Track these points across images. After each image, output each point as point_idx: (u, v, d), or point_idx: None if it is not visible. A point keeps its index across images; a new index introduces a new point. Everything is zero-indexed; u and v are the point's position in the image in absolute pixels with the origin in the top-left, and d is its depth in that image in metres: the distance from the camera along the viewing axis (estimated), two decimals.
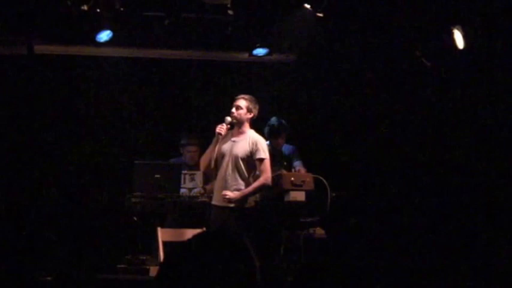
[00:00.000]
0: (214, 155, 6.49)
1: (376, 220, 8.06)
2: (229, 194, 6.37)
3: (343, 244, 7.49)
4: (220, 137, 6.45)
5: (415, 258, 7.55)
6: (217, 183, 6.53)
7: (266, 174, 6.45)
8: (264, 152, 6.46)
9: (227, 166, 6.44)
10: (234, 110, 6.46)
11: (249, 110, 6.46)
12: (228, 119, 6.46)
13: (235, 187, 6.41)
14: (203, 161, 6.62)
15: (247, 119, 6.50)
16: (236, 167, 6.42)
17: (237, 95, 6.56)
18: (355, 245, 7.66)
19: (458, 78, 7.84)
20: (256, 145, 6.45)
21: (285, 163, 7.36)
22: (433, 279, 7.28)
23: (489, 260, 7.24)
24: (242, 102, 6.46)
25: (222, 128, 6.42)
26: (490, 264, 7.17)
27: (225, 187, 6.42)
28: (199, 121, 8.39)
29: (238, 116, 6.45)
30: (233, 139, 6.48)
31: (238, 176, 6.42)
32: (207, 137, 6.77)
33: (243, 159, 6.42)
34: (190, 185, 7.43)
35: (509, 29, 7.28)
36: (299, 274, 2.00)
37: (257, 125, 6.76)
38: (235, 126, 6.53)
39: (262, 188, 6.48)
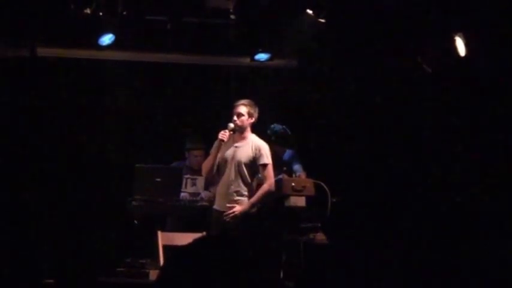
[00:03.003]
0: (217, 161, 6.48)
1: (377, 225, 8.05)
2: (237, 209, 6.36)
3: (344, 249, 7.49)
4: (222, 143, 6.45)
5: (416, 262, 7.54)
6: (220, 189, 6.52)
7: (270, 181, 6.46)
8: (267, 157, 6.47)
9: (230, 172, 6.44)
10: (235, 117, 6.43)
11: (250, 115, 6.46)
12: (231, 125, 6.44)
13: (238, 193, 6.42)
14: (205, 167, 6.61)
15: (249, 124, 6.51)
16: (239, 173, 6.42)
17: (235, 102, 6.53)
18: (356, 250, 7.66)
19: (459, 86, 7.84)
20: (259, 151, 6.45)
21: (285, 168, 7.36)
22: (434, 283, 7.27)
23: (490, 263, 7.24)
24: (243, 108, 6.45)
25: (224, 135, 6.39)
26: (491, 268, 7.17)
27: (228, 193, 6.41)
28: (200, 125, 8.38)
29: (241, 123, 6.44)
30: (235, 145, 6.48)
31: (241, 181, 6.43)
32: (209, 141, 6.77)
33: (246, 165, 6.42)
34: (191, 189, 7.45)
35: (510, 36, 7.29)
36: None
37: (257, 128, 6.75)
38: (237, 132, 6.53)
39: (266, 195, 6.48)
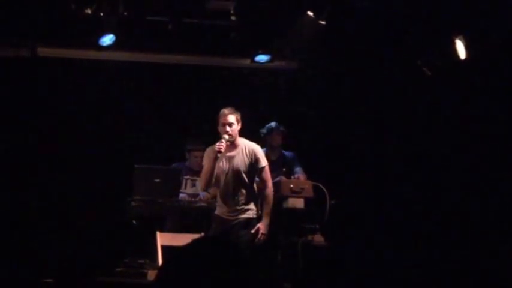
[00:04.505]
0: (214, 173, 6.41)
1: (375, 226, 8.07)
2: (262, 228, 6.36)
3: (342, 251, 7.51)
4: (218, 154, 6.36)
5: (415, 263, 7.56)
6: (223, 201, 6.42)
7: (269, 183, 6.46)
8: (263, 159, 6.46)
9: (230, 182, 6.37)
10: (228, 128, 6.29)
11: (238, 122, 6.39)
12: (226, 137, 6.31)
13: (242, 201, 6.40)
14: (203, 180, 6.47)
15: (239, 130, 6.45)
16: (240, 182, 6.37)
17: (220, 112, 6.37)
18: (354, 252, 7.68)
19: (459, 88, 7.86)
20: (254, 155, 6.41)
21: (284, 170, 7.38)
22: (433, 283, 7.29)
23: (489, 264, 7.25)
24: (232, 117, 6.34)
25: (221, 146, 6.30)
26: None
27: (233, 203, 6.36)
28: (200, 126, 8.39)
29: (234, 133, 6.38)
30: (228, 154, 6.38)
31: (243, 189, 6.39)
32: (209, 142, 6.75)
33: (244, 172, 6.37)
34: (191, 190, 7.46)
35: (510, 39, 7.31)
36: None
37: (256, 131, 6.74)
38: (229, 141, 6.44)
39: (272, 199, 6.47)
